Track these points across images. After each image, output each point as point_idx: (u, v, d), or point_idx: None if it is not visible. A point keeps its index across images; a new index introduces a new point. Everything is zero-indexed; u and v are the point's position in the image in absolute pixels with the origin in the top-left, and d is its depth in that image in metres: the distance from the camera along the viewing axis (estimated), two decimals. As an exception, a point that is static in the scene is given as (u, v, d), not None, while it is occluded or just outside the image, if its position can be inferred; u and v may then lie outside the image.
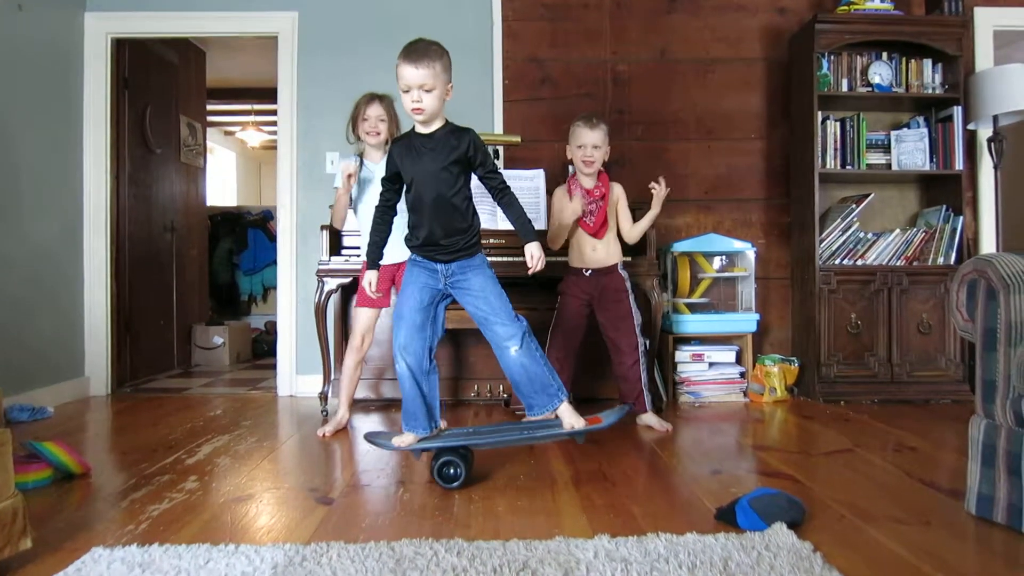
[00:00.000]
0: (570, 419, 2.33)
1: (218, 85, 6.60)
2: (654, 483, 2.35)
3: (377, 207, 2.45)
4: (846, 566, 1.60)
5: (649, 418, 3.11)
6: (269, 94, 7.21)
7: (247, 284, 6.88)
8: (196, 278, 5.58)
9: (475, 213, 2.40)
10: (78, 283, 4.05)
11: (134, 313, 4.47)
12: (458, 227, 2.33)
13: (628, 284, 3.17)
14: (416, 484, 2.30)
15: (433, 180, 2.29)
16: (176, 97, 5.16)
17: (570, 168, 3.95)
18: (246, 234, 6.93)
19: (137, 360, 4.52)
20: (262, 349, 5.94)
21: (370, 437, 2.51)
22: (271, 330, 6.35)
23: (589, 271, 3.12)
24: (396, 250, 2.75)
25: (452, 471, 2.23)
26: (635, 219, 3.24)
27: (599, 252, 3.12)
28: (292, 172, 4.09)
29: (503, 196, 2.40)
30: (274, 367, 5.11)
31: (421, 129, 2.31)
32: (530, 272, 2.39)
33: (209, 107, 6.04)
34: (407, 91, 2.23)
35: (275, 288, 6.95)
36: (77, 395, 3.96)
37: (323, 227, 3.47)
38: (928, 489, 2.24)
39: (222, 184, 9.51)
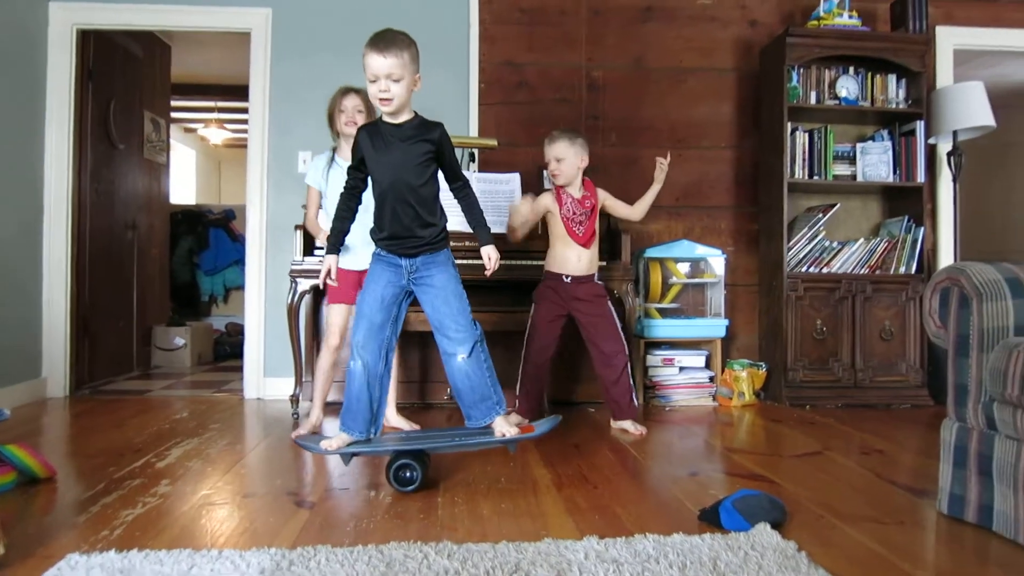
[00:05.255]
0: (502, 427, 2.32)
1: (181, 80, 6.45)
2: (635, 485, 2.37)
3: (342, 194, 2.42)
4: (829, 564, 1.64)
5: (624, 422, 3.14)
6: (234, 91, 7.14)
7: (208, 284, 6.74)
8: (157, 277, 5.45)
9: (443, 209, 2.40)
10: (36, 281, 3.91)
11: (93, 313, 4.33)
12: (426, 220, 2.32)
13: (604, 291, 3.21)
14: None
15: (402, 171, 2.28)
16: (141, 92, 5.03)
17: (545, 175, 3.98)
18: (207, 233, 6.79)
19: (95, 361, 4.38)
20: (224, 351, 5.81)
21: (299, 441, 2.46)
22: (232, 332, 6.23)
23: (569, 278, 3.13)
24: (364, 256, 2.77)
25: (408, 474, 2.20)
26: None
27: (583, 261, 3.13)
28: (263, 170, 4.03)
29: (465, 195, 2.43)
30: (239, 369, 5.02)
31: (389, 119, 2.30)
32: (488, 274, 2.44)
33: (172, 103, 5.91)
34: (374, 81, 2.21)
35: (237, 289, 6.88)
36: (34, 397, 3.82)
37: (297, 227, 3.42)
38: (898, 489, 2.31)
39: (181, 182, 9.29)
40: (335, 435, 2.34)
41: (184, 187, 9.40)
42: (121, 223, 4.77)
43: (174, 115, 7.19)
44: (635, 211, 3.28)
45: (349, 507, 2.09)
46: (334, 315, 3.08)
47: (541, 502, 2.13)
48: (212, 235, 6.77)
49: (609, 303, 3.17)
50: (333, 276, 2.41)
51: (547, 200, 3.16)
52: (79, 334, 4.13)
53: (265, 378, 4.00)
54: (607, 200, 3.26)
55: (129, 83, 4.84)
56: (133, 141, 4.94)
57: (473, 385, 2.32)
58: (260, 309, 4.03)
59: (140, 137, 5.06)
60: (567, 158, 3.09)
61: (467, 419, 2.37)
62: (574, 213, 3.11)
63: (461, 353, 2.30)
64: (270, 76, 4.03)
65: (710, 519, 1.93)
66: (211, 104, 7.52)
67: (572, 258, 3.13)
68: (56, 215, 3.96)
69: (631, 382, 3.15)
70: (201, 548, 1.71)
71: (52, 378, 3.94)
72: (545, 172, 3.88)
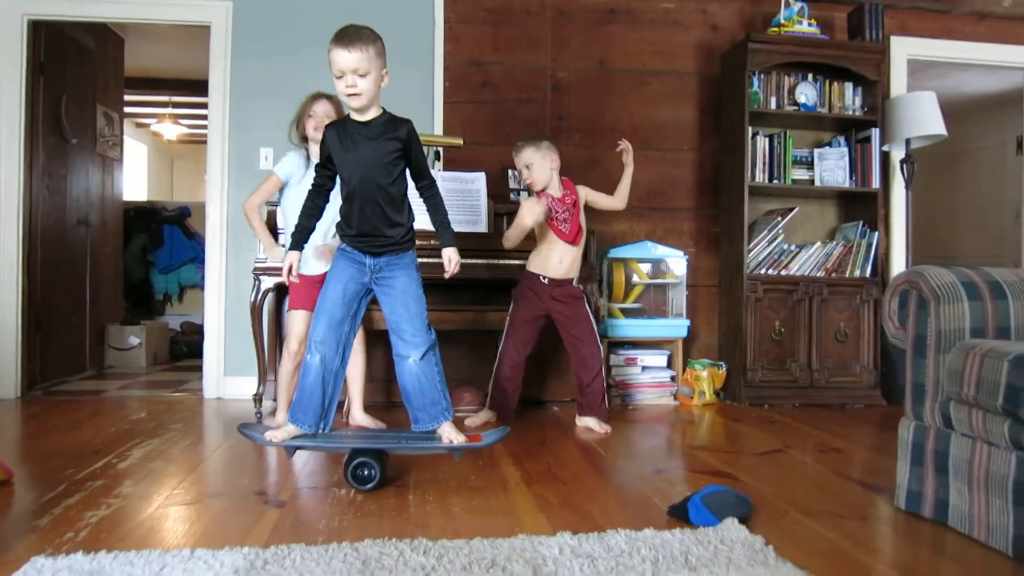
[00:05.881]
0: (450, 434, 2.31)
1: (134, 74, 6.29)
2: (603, 482, 2.40)
3: (309, 191, 2.40)
4: (795, 558, 1.68)
5: (589, 420, 3.17)
6: (188, 85, 6.99)
7: (162, 283, 6.57)
8: (111, 275, 5.31)
9: (410, 208, 2.39)
10: (-15, 278, 3.79)
11: (45, 312, 4.20)
12: (393, 220, 2.31)
13: (583, 294, 3.23)
14: (367, 486, 2.26)
15: (370, 169, 2.27)
16: (94, 85, 4.90)
17: (511, 174, 3.99)
18: (162, 230, 6.62)
19: (48, 361, 4.25)
20: (180, 350, 5.69)
21: (243, 429, 2.41)
22: (188, 331, 6.10)
23: (547, 279, 3.15)
24: (311, 265, 2.91)
25: (366, 472, 2.19)
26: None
27: (565, 263, 3.15)
28: (223, 166, 3.95)
29: (431, 194, 2.42)
30: (197, 369, 4.92)
31: (357, 116, 2.29)
32: (447, 276, 2.42)
33: (124, 97, 5.75)
34: (340, 76, 2.20)
35: (193, 287, 6.73)
36: (-18, 397, 3.70)
37: (261, 223, 3.37)
38: (857, 486, 2.38)
39: (133, 178, 9.04)
40: (283, 428, 2.33)
41: (136, 184, 9.17)
42: (73, 219, 4.63)
43: (126, 110, 7.01)
44: (617, 200, 3.31)
45: (319, 506, 2.07)
46: (295, 321, 3.04)
47: (512, 499, 2.14)
48: (167, 232, 6.60)
49: (586, 305, 3.20)
50: (294, 273, 2.37)
51: (531, 205, 3.15)
52: (31, 333, 4.01)
53: (225, 377, 3.93)
54: (589, 195, 3.28)
55: (81, 76, 4.71)
56: (86, 136, 4.80)
57: (423, 389, 2.32)
58: (220, 307, 3.96)
59: (93, 132, 4.92)
60: (535, 163, 3.11)
61: (414, 422, 2.37)
62: (557, 211, 3.14)
63: (413, 356, 2.31)
64: (231, 71, 3.96)
65: (679, 515, 1.97)
66: (165, 99, 7.34)
67: (554, 259, 3.15)
68: (7, 211, 3.84)
69: (604, 383, 3.18)
70: (172, 548, 1.68)
71: (3, 379, 3.81)
72: (511, 172, 3.92)
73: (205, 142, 10.08)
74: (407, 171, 2.35)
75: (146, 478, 2.33)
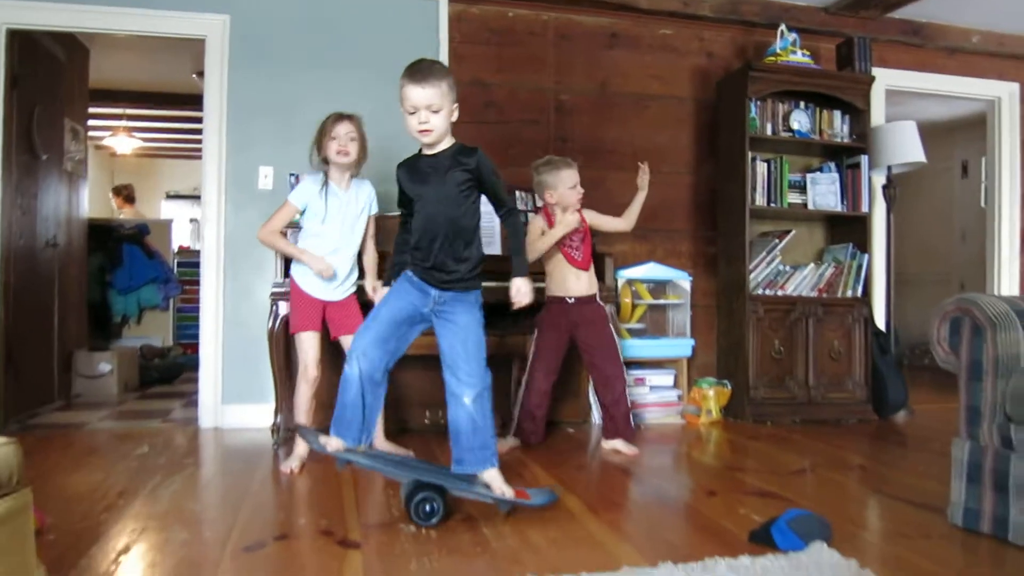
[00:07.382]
0: (501, 486, 2.22)
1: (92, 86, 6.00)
2: (666, 508, 2.41)
3: (399, 227, 2.46)
4: (894, 581, 1.72)
5: (616, 442, 3.17)
6: (145, 98, 6.72)
7: (121, 304, 6.24)
8: (76, 299, 5.01)
9: (480, 243, 2.36)
10: (-41, 303, 3.53)
11: (16, 339, 3.93)
12: (461, 254, 2.27)
13: (608, 314, 3.25)
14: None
15: (440, 203, 2.24)
16: (62, 98, 4.64)
17: (519, 196, 3.98)
18: (120, 249, 6.30)
19: (19, 392, 3.96)
20: (151, 376, 5.41)
21: (302, 432, 2.47)
22: (148, 355, 5.82)
23: (572, 299, 3.16)
24: (318, 288, 2.92)
25: (429, 507, 2.13)
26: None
27: (583, 281, 3.17)
28: (220, 185, 3.80)
29: (511, 222, 2.40)
30: (175, 396, 4.75)
31: (426, 150, 2.27)
32: (514, 307, 2.36)
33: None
34: (413, 112, 2.17)
35: (153, 308, 6.44)
36: (-42, 433, 3.43)
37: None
38: (901, 503, 2.44)
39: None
40: (331, 438, 2.27)
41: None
42: (43, 241, 4.36)
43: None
44: (625, 222, 3.35)
45: (397, 544, 2.00)
46: (309, 344, 2.93)
47: (588, 529, 2.12)
48: (126, 251, 6.28)
49: (611, 325, 3.22)
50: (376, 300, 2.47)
51: (542, 222, 3.18)
52: (5, 364, 3.74)
53: (223, 406, 3.76)
54: (594, 218, 3.32)
55: (52, 88, 4.45)
56: (54, 151, 4.53)
57: (476, 430, 2.24)
58: (217, 332, 3.78)
59: (61, 147, 4.65)
60: (577, 182, 3.17)
61: (457, 463, 2.27)
62: (571, 239, 3.15)
63: (467, 396, 2.25)
64: (228, 87, 3.81)
65: (762, 540, 1.99)
66: (119, 111, 7.03)
67: (572, 278, 3.17)
68: (-16, 231, 3.60)
69: (628, 404, 3.19)
70: (271, 600, 1.60)
71: (-22, 412, 3.56)
72: (519, 193, 3.91)
73: (157, 156, 9.69)
74: (480, 202, 2.32)
75: (193, 521, 2.21)
